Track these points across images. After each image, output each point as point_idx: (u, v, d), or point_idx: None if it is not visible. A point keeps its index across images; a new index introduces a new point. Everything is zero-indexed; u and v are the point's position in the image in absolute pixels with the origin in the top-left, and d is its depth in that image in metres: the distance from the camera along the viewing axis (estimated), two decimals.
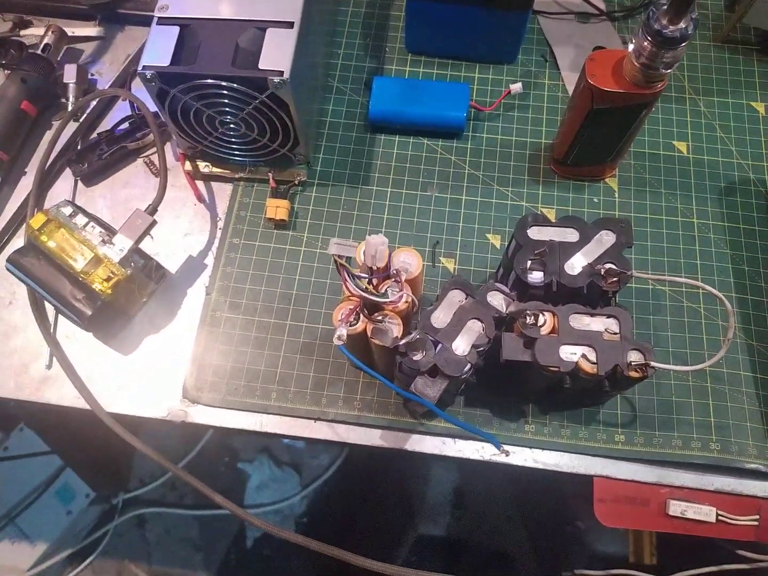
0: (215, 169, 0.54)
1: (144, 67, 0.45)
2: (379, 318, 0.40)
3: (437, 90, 0.55)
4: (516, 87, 0.55)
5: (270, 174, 0.53)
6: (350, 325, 0.40)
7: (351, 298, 0.42)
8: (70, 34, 0.60)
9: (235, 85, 0.45)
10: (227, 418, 0.48)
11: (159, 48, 0.46)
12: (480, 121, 0.56)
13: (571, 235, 0.43)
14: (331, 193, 0.54)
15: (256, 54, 0.45)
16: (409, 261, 0.42)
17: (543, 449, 0.46)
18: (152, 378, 0.49)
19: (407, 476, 0.55)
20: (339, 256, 0.37)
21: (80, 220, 0.47)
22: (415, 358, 0.39)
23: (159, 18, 0.47)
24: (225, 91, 0.46)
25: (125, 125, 0.56)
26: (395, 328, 0.40)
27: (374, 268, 0.39)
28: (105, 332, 0.49)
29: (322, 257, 0.52)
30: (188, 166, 0.54)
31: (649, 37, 0.40)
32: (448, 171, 0.55)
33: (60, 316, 0.51)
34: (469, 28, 0.55)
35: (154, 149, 0.56)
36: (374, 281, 0.40)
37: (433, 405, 0.38)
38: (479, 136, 0.56)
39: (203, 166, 0.54)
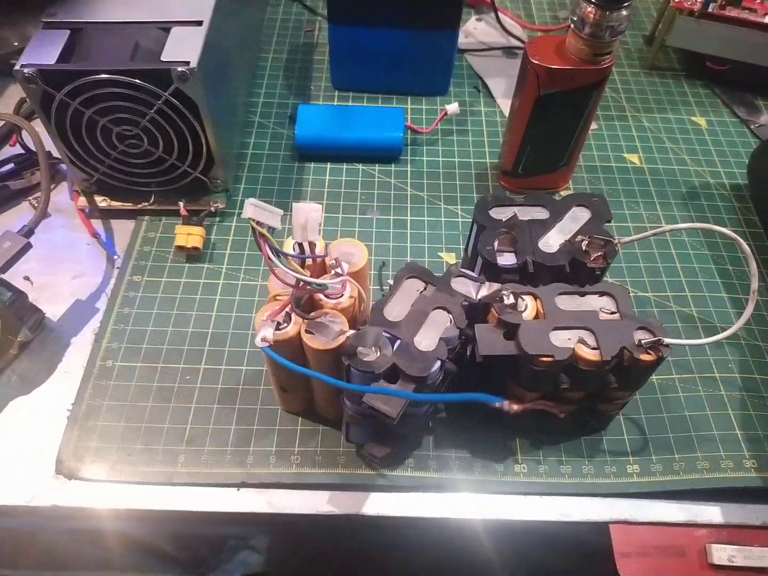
0: (114, 203, 0.46)
1: (23, 65, 0.38)
2: (317, 317, 0.31)
3: (369, 113, 0.51)
4: (452, 107, 0.51)
5: (180, 203, 0.45)
6: (278, 328, 0.31)
7: (278, 297, 0.32)
8: None
9: (134, 80, 0.38)
10: (115, 494, 0.35)
11: (43, 49, 0.39)
12: (418, 145, 0.52)
13: (540, 213, 0.36)
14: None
15: (159, 51, 0.40)
16: (351, 251, 0.34)
17: (541, 494, 0.35)
18: (15, 453, 0.36)
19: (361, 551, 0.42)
20: (257, 222, 0.29)
21: None
22: (367, 358, 0.30)
23: (45, 23, 0.41)
24: (122, 90, 0.39)
25: (9, 165, 0.48)
26: (338, 330, 0.31)
27: (306, 246, 0.30)
28: None
29: (245, 289, 0.43)
30: (82, 202, 0.46)
31: (593, 1, 0.37)
32: (389, 194, 0.48)
33: None
34: (397, 57, 0.52)
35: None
36: (307, 270, 0.31)
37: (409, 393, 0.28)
38: (419, 159, 0.51)
39: (100, 200, 0.46)
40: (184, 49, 0.39)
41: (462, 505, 0.35)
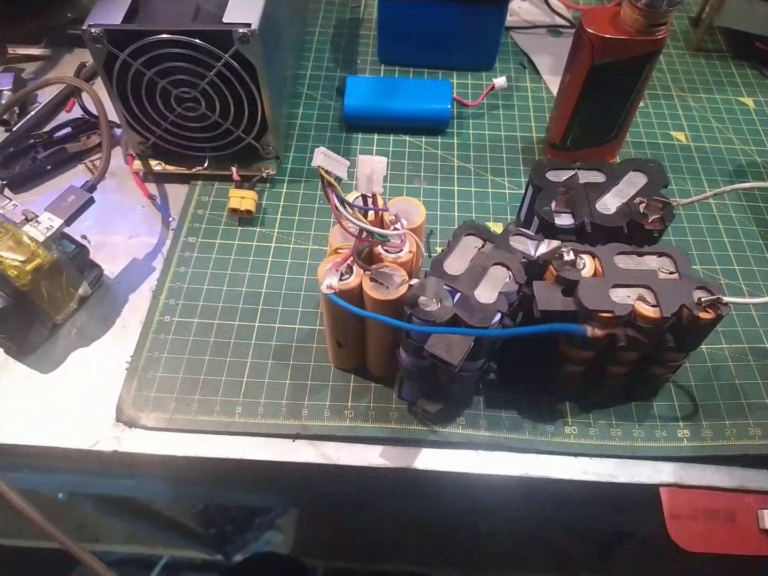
0: (169, 167, 0.47)
1: (90, 25, 0.39)
2: (379, 269, 0.32)
3: (417, 86, 0.51)
4: (500, 81, 0.52)
5: (233, 168, 0.46)
6: (341, 279, 0.31)
7: (339, 250, 0.33)
8: (10, 52, 0.55)
9: (195, 40, 0.39)
10: (175, 443, 0.36)
11: (109, 11, 0.40)
12: (464, 118, 0.52)
13: (596, 177, 0.36)
14: (304, 188, 0.47)
15: (220, 14, 0.40)
16: (409, 209, 0.34)
17: (591, 456, 0.36)
18: (78, 401, 0.37)
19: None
20: (326, 171, 0.29)
21: (0, 199, 0.38)
22: (428, 308, 0.30)
23: None
24: (183, 51, 0.40)
25: (67, 129, 0.49)
26: (399, 281, 0.32)
27: (369, 197, 0.31)
28: (20, 343, 0.38)
29: (296, 253, 0.44)
30: (138, 165, 0.47)
31: None
32: (436, 164, 0.49)
33: None
34: (443, 31, 0.53)
35: (99, 154, 0.49)
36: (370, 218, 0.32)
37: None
38: (465, 132, 0.51)
39: (155, 164, 0.47)
40: (244, 12, 0.40)
41: (512, 463, 0.35)
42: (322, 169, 0.29)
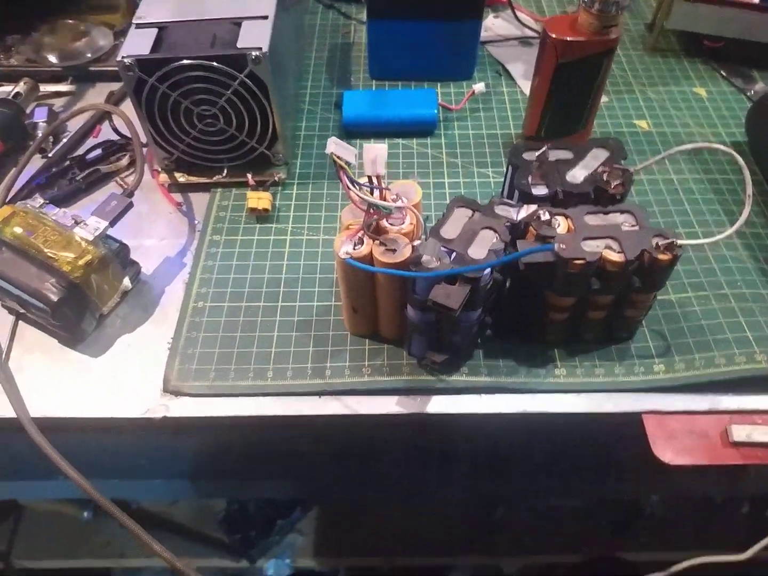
0: (191, 178, 0.53)
1: (123, 57, 0.46)
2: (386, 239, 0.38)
3: (405, 96, 0.58)
4: (479, 87, 0.58)
5: (249, 174, 0.52)
6: (355, 248, 0.37)
7: (350, 226, 0.39)
8: (42, 90, 0.62)
9: (214, 63, 0.46)
10: (217, 406, 0.41)
11: (138, 43, 0.47)
12: (449, 121, 0.59)
13: (565, 154, 0.42)
14: (312, 189, 0.53)
15: (234, 41, 0.47)
16: (408, 190, 0.40)
17: (580, 392, 0.41)
18: (127, 377, 0.43)
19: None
20: (338, 157, 0.35)
21: (51, 209, 0.44)
22: (430, 266, 0.36)
23: (137, 24, 0.49)
24: (203, 74, 0.46)
25: (98, 151, 0.55)
26: (403, 246, 0.37)
27: (374, 178, 0.37)
28: (73, 332, 0.44)
29: (309, 243, 0.49)
30: (164, 178, 0.53)
31: None
32: (427, 162, 0.55)
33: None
34: (426, 48, 0.60)
35: (129, 171, 0.55)
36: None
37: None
38: (451, 132, 0.58)
39: (179, 176, 0.53)
40: (255, 37, 0.47)
41: (511, 402, 0.41)
42: (335, 155, 0.35)
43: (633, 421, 0.40)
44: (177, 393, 0.41)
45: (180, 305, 0.46)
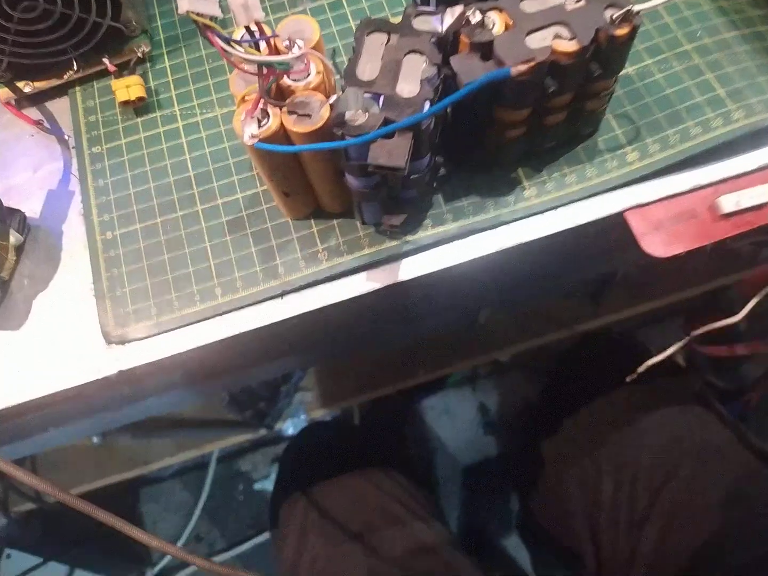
0: (38, 84, 0.43)
1: None
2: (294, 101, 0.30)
3: None
4: None
5: (105, 59, 0.42)
6: (261, 125, 0.30)
7: (246, 98, 0.31)
8: None
9: None
10: (174, 342, 0.36)
11: None
12: None
13: None
14: (187, 53, 0.43)
15: None
16: (301, 28, 0.32)
17: (556, 208, 0.37)
18: (62, 340, 0.37)
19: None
20: (197, 14, 0.27)
21: None
22: (358, 122, 0.29)
23: None
24: None
25: None
26: (319, 107, 0.30)
27: (253, 27, 0.29)
28: None
29: (207, 123, 0.41)
30: (6, 94, 0.42)
31: None
32: None
33: None
34: None
35: None
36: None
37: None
38: None
39: (23, 85, 0.43)
40: None
41: (486, 241, 0.37)
42: (192, 12, 0.26)
43: (618, 225, 0.37)
44: (123, 341, 0.36)
45: (86, 242, 0.39)
